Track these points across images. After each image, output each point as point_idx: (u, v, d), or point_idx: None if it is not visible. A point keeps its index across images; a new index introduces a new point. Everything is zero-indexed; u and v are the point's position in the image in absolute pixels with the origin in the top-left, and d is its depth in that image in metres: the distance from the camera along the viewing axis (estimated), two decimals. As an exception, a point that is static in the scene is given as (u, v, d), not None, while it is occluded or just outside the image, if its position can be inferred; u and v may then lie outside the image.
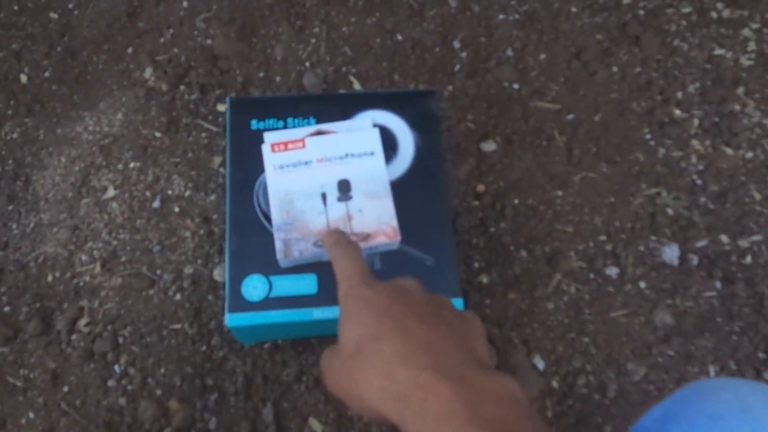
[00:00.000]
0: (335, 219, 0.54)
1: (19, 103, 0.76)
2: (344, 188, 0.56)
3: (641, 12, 0.79)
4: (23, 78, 0.78)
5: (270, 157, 0.57)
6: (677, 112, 0.75)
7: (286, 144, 0.57)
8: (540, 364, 0.64)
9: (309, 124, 0.60)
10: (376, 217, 0.54)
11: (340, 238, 0.43)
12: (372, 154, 0.57)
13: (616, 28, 0.78)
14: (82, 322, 0.65)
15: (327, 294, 0.54)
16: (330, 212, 0.55)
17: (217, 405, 0.61)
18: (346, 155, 0.56)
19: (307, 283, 0.54)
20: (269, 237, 0.55)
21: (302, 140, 0.57)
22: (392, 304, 0.36)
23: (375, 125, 0.60)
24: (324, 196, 0.55)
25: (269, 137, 0.58)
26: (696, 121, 0.74)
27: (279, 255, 0.53)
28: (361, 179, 0.56)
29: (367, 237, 0.54)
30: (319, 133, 0.58)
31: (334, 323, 0.55)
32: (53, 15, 0.81)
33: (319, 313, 0.53)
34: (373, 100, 0.62)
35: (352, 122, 0.60)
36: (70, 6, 0.81)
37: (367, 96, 0.63)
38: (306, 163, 0.56)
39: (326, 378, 0.37)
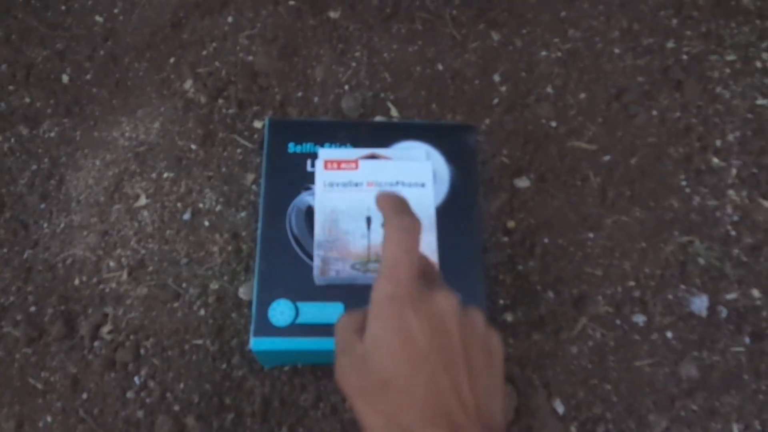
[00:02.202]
0: (377, 244, 0.54)
1: (59, 103, 0.77)
2: None
3: (684, 57, 0.79)
4: (65, 78, 0.79)
5: (321, 174, 0.57)
6: (715, 160, 0.74)
7: (339, 163, 0.57)
8: (560, 409, 0.63)
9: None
10: None
11: (399, 207, 0.38)
12: (423, 185, 0.57)
13: (659, 71, 0.78)
14: (106, 329, 0.66)
15: (353, 326, 0.54)
16: (372, 237, 0.55)
17: (233, 425, 0.61)
18: (397, 183, 0.57)
19: (334, 312, 0.54)
20: (299, 262, 0.55)
21: (356, 161, 0.57)
22: (431, 351, 0.34)
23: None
24: (369, 220, 0.55)
25: (323, 154, 0.58)
26: (734, 171, 0.73)
27: (316, 272, 0.53)
28: None
29: None
30: (373, 156, 0.59)
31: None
32: (99, 18, 0.82)
33: (344, 345, 0.53)
34: (411, 130, 0.62)
35: (407, 151, 0.60)
36: (116, 11, 0.82)
37: (405, 126, 0.63)
38: (356, 184, 0.57)
39: (340, 382, 0.35)
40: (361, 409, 0.34)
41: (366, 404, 0.34)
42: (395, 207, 0.38)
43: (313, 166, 0.60)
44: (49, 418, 0.62)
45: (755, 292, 0.68)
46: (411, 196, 0.56)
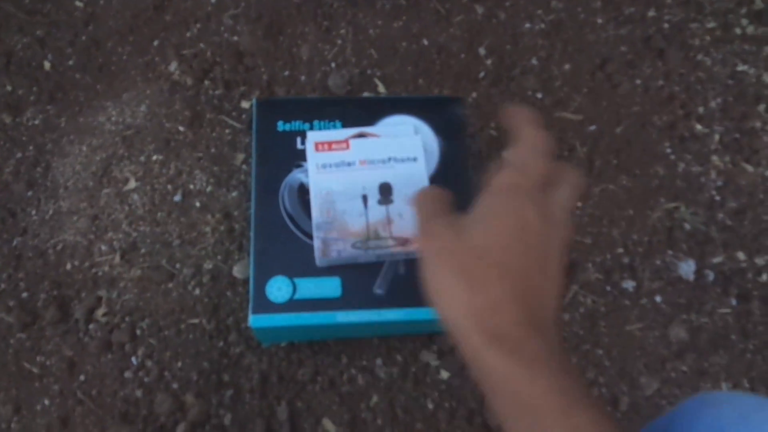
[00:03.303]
0: (375, 221, 0.55)
1: (42, 90, 0.76)
2: (385, 192, 0.56)
3: (666, 26, 0.79)
4: (47, 65, 0.78)
5: (313, 156, 0.57)
6: (698, 127, 0.75)
7: (330, 144, 0.57)
8: (554, 374, 0.64)
9: (335, 127, 0.60)
10: (415, 223, 0.55)
11: (533, 119, 0.38)
12: (414, 160, 0.57)
13: (641, 40, 0.78)
14: (100, 312, 0.66)
15: (351, 297, 0.54)
16: (370, 214, 0.55)
17: (232, 401, 0.62)
18: (389, 159, 0.57)
19: (331, 286, 0.54)
20: (294, 239, 0.56)
21: (346, 141, 0.58)
22: (536, 244, 0.34)
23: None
24: (365, 198, 0.56)
25: (312, 136, 0.58)
26: (717, 137, 0.74)
27: (317, 254, 0.54)
28: (402, 184, 0.56)
29: (405, 242, 0.54)
30: (362, 135, 0.59)
31: (357, 327, 0.56)
32: (78, 3, 0.81)
33: (342, 317, 0.54)
34: (399, 104, 0.62)
35: (395, 127, 0.60)
36: (96, -5, 0.81)
37: (393, 101, 0.64)
38: (349, 164, 0.57)
39: (425, 242, 0.35)
40: (445, 275, 0.33)
41: (453, 272, 0.33)
42: (530, 119, 0.38)
43: (302, 143, 0.60)
44: (46, 401, 0.62)
45: (740, 255, 0.69)
46: (404, 170, 0.57)
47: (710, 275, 0.68)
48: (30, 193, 0.71)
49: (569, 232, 0.36)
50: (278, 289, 0.54)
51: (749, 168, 0.73)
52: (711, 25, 0.79)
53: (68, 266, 0.68)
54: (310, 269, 0.55)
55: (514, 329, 0.31)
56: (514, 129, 0.38)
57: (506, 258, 0.33)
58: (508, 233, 0.33)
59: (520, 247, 0.33)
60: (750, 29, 0.79)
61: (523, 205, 0.34)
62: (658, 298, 0.67)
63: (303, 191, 0.58)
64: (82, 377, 0.63)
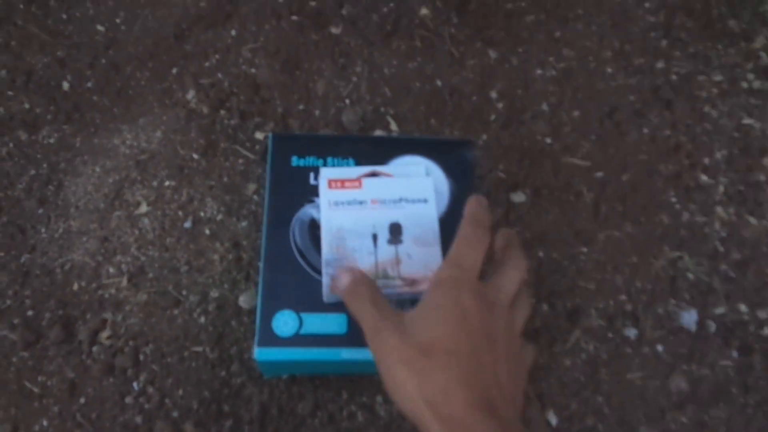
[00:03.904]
0: (384, 261, 0.55)
1: (59, 110, 0.78)
2: (395, 231, 0.57)
3: (674, 77, 0.81)
4: (65, 85, 0.79)
5: (326, 193, 0.58)
6: (704, 177, 0.76)
7: (343, 182, 0.58)
8: (553, 420, 0.64)
9: (348, 164, 0.61)
10: (423, 264, 0.55)
11: (477, 218, 0.43)
12: (425, 201, 0.58)
13: (649, 90, 0.80)
14: (104, 334, 0.66)
15: (356, 335, 0.54)
16: (379, 254, 0.56)
17: (231, 432, 0.62)
18: (400, 199, 0.58)
19: (337, 323, 0.55)
20: (303, 273, 0.56)
21: (359, 180, 0.59)
22: (479, 327, 0.37)
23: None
24: (375, 237, 0.56)
25: (326, 173, 0.59)
26: (721, 188, 0.75)
27: (325, 290, 0.54)
28: (412, 224, 0.57)
29: (413, 283, 0.55)
30: (374, 174, 0.60)
31: (360, 364, 0.56)
32: (100, 27, 0.83)
33: (347, 354, 0.54)
34: (412, 145, 0.63)
35: (407, 167, 0.61)
36: (118, 21, 0.83)
37: (406, 141, 0.65)
38: (360, 202, 0.58)
39: (377, 339, 0.38)
40: (395, 368, 0.36)
41: (402, 364, 0.36)
42: (474, 217, 0.44)
43: (315, 179, 0.61)
44: (45, 422, 0.62)
45: (742, 307, 0.70)
46: (414, 211, 0.58)
47: (712, 326, 0.69)
48: (41, 211, 0.72)
49: (524, 309, 0.40)
50: (284, 323, 0.55)
51: (753, 220, 0.74)
52: (718, 78, 0.81)
53: (75, 286, 0.68)
54: (317, 305, 0.56)
55: (466, 412, 0.33)
56: (463, 219, 0.44)
57: (451, 345, 0.36)
58: (448, 322, 0.37)
59: (462, 332, 0.36)
60: (756, 83, 0.81)
61: (460, 294, 0.37)
62: (659, 347, 0.68)
63: (314, 227, 0.58)
64: (82, 400, 0.63)
